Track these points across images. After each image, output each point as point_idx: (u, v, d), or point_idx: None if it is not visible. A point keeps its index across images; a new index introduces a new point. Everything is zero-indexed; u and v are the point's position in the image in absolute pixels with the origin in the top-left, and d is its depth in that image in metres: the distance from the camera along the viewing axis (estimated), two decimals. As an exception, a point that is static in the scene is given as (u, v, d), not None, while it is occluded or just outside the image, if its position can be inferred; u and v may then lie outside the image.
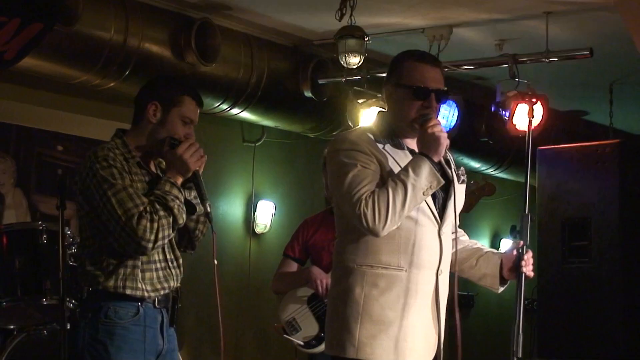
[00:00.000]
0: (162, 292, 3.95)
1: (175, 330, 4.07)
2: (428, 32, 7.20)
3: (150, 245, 3.82)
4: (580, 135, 9.10)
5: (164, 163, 4.10)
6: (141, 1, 6.58)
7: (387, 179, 3.71)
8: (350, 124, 7.37)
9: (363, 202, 3.65)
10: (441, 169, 3.85)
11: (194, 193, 4.05)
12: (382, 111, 3.97)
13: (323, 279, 5.58)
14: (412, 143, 3.86)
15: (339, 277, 3.80)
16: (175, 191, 3.89)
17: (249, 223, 8.24)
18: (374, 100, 7.25)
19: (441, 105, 3.87)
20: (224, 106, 7.26)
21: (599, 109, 8.99)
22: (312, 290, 5.66)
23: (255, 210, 8.26)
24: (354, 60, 6.82)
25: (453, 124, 7.50)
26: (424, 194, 3.69)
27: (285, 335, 5.72)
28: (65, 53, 6.20)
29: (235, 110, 7.37)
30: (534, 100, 7.12)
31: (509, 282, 4.02)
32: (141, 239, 3.79)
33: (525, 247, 3.93)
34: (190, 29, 6.68)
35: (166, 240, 3.90)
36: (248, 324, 8.17)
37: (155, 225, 3.81)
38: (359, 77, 7.28)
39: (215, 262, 4.02)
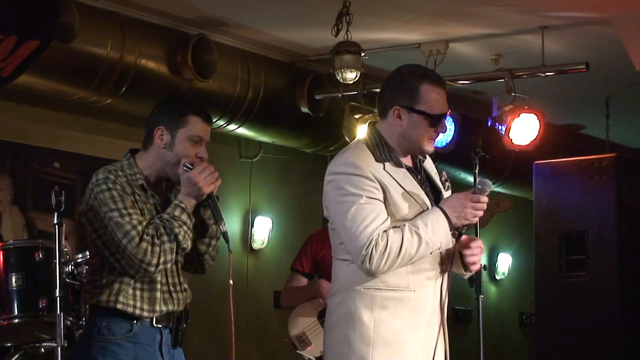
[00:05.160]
0: (159, 313, 3.93)
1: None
2: (424, 47, 7.21)
3: (152, 268, 3.82)
4: (577, 149, 9.11)
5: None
6: (137, 18, 6.59)
7: (391, 201, 3.68)
8: (346, 139, 7.37)
9: (373, 243, 3.60)
10: (428, 180, 3.86)
11: (209, 212, 4.03)
12: (373, 123, 3.88)
13: None
14: (408, 161, 3.84)
15: (343, 300, 3.74)
16: (184, 216, 3.88)
17: (246, 239, 8.22)
18: (370, 115, 7.25)
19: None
20: (221, 122, 7.26)
21: (596, 123, 8.99)
22: (323, 305, 5.60)
23: (252, 226, 8.24)
24: (351, 76, 6.82)
25: (450, 138, 7.51)
26: (431, 253, 3.68)
27: (298, 351, 5.66)
28: (62, 70, 6.20)
29: (232, 126, 7.37)
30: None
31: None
32: (141, 261, 3.80)
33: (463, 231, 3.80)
34: (187, 45, 6.69)
35: (169, 264, 3.89)
36: (245, 340, 8.15)
37: (157, 249, 3.81)
38: (355, 92, 7.28)
39: (231, 282, 3.97)
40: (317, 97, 7.53)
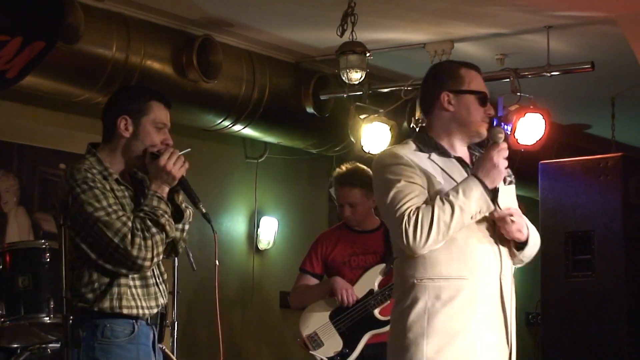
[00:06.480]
0: (155, 309, 3.92)
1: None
2: (429, 47, 7.21)
3: (148, 263, 3.79)
4: (583, 149, 9.10)
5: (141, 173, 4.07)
6: (143, 19, 6.60)
7: (436, 188, 3.72)
8: (352, 139, 7.38)
9: (406, 218, 3.64)
10: None
11: (182, 196, 4.00)
12: (422, 128, 3.99)
13: (348, 289, 5.52)
14: (460, 150, 3.88)
15: (402, 295, 3.78)
16: (163, 205, 3.85)
17: (252, 239, 8.23)
18: (375, 115, 7.24)
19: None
20: (226, 123, 7.26)
21: (601, 122, 8.99)
22: (335, 305, 5.59)
23: (258, 227, 8.25)
24: (356, 76, 6.82)
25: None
26: (472, 218, 3.68)
27: (311, 352, 5.63)
28: (67, 71, 6.21)
29: (237, 127, 7.37)
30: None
31: (527, 242, 3.82)
32: (137, 257, 3.76)
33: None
34: (192, 45, 6.69)
35: (161, 257, 3.87)
36: (252, 340, 8.16)
37: (150, 242, 3.77)
38: (360, 92, 7.29)
39: (217, 262, 3.98)
40: (323, 97, 7.54)
